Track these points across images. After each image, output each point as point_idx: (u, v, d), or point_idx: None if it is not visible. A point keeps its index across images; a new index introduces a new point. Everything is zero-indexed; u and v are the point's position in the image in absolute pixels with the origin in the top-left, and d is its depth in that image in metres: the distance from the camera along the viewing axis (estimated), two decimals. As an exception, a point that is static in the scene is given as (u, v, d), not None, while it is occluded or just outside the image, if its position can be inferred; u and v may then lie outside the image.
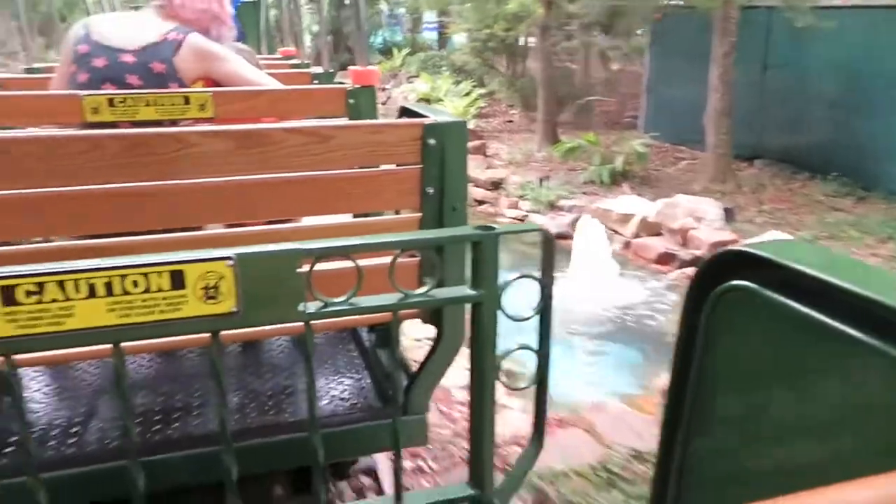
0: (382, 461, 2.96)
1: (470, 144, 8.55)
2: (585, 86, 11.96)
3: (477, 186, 8.92)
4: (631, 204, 7.34)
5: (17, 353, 0.97)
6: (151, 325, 0.99)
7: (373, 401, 1.90)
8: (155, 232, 1.43)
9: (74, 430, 1.71)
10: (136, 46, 2.08)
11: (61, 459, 1.55)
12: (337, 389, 1.96)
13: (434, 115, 1.50)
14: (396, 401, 1.17)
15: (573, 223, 7.20)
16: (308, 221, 1.89)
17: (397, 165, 1.55)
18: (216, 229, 1.71)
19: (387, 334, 2.15)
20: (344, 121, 2.27)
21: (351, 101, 2.34)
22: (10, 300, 0.92)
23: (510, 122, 12.56)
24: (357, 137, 1.42)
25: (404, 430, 1.29)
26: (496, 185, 9.02)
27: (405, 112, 1.65)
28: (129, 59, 2.07)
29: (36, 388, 1.94)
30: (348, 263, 1.09)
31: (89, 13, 4.59)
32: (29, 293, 0.93)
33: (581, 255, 6.38)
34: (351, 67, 2.38)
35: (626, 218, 7.12)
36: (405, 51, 17.75)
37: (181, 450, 1.59)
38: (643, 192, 7.96)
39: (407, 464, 2.97)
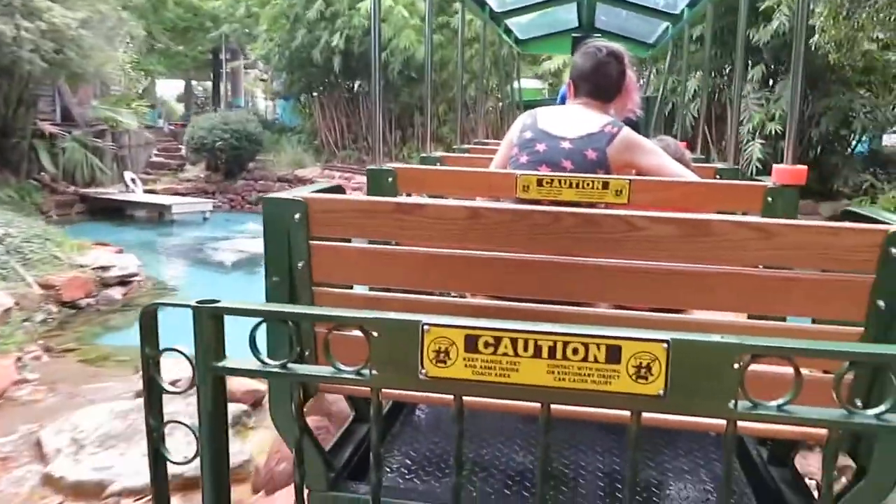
0: None
1: None
2: None
3: None
4: None
5: (466, 395, 1.10)
6: (581, 393, 1.03)
7: None
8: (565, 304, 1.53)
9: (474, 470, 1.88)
10: (575, 135, 2.31)
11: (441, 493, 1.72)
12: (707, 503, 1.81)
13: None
14: None
15: None
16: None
17: (822, 270, 1.43)
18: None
19: (783, 451, 1.93)
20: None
21: (769, 199, 2.23)
22: (473, 348, 1.05)
23: None
24: (807, 238, 1.34)
25: None
26: None
27: (849, 215, 1.52)
28: (566, 145, 2.31)
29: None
30: (776, 368, 1.01)
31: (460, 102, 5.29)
32: (487, 344, 1.05)
33: None
34: (776, 165, 2.27)
35: None
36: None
37: None
38: None
39: None
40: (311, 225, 1.51)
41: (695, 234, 1.38)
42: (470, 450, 2.00)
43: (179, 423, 1.10)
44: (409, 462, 1.93)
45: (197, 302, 1.10)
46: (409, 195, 2.61)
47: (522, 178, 2.28)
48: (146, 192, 15.66)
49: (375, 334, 1.08)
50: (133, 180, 15.66)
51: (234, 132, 16.23)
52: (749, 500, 1.81)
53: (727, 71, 10.77)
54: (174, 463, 1.12)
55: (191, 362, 1.09)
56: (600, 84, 2.46)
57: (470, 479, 1.83)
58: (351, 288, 1.79)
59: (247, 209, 16.21)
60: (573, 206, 2.05)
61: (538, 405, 1.08)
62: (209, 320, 1.10)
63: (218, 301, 1.11)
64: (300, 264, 1.51)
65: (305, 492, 1.58)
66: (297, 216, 1.49)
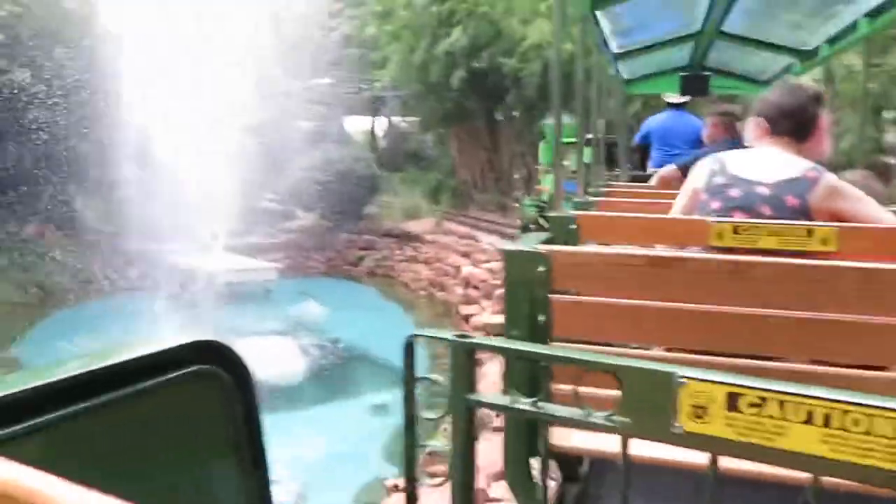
0: None
1: None
2: None
3: None
4: None
5: (723, 455, 1.07)
6: (864, 469, 0.97)
7: None
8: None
9: None
10: (773, 180, 2.22)
11: None
12: None
13: None
14: None
15: None
16: None
17: None
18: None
19: None
20: None
21: None
22: (734, 407, 1.02)
23: None
24: None
25: None
26: None
27: None
28: (764, 191, 2.21)
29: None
30: None
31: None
32: (752, 405, 1.01)
33: None
34: None
35: None
36: None
37: None
38: None
39: None
40: (553, 278, 1.51)
41: None
42: None
43: (433, 446, 1.14)
44: None
45: (454, 335, 1.14)
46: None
47: (717, 225, 2.20)
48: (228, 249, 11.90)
49: (626, 383, 1.07)
50: (214, 235, 11.79)
51: (337, 173, 13.09)
52: None
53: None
54: (426, 485, 1.16)
55: (446, 393, 1.13)
56: (802, 123, 2.36)
57: None
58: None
59: (343, 271, 12.99)
60: (773, 256, 1.97)
61: (805, 475, 1.03)
62: (463, 354, 1.14)
63: (472, 336, 1.15)
64: (541, 318, 1.51)
65: None
66: (540, 269, 1.50)
